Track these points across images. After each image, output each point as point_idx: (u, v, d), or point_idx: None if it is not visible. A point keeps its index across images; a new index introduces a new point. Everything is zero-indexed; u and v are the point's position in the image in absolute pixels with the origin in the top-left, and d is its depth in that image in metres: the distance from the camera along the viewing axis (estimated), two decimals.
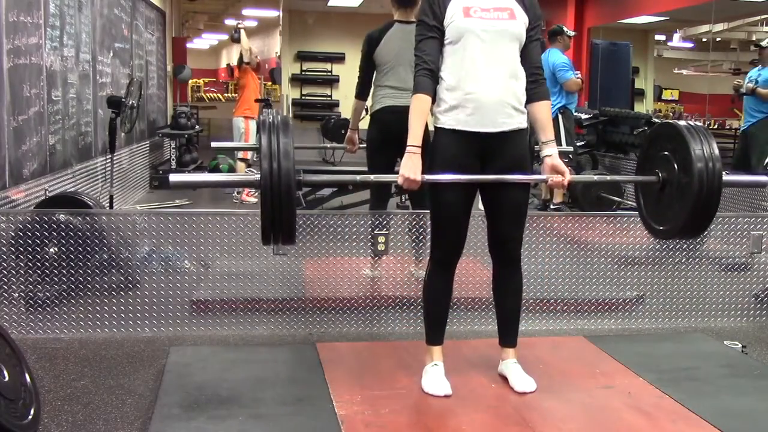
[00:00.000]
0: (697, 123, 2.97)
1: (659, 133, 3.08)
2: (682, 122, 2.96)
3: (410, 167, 2.71)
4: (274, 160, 2.50)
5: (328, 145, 9.67)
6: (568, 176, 2.86)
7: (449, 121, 2.81)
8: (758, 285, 4.30)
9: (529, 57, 2.86)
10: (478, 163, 2.85)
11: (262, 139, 2.56)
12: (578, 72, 7.36)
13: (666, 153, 2.94)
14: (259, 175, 2.54)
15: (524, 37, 2.83)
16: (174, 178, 2.70)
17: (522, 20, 2.82)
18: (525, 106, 2.88)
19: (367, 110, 4.69)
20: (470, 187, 2.89)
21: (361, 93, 4.57)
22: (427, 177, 2.75)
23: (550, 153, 2.87)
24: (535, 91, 2.88)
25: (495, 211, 2.96)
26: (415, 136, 2.73)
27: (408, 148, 2.74)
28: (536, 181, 2.95)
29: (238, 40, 8.29)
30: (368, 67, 4.46)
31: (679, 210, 2.87)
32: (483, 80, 2.78)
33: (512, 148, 2.87)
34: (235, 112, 8.41)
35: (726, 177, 2.85)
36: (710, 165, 2.77)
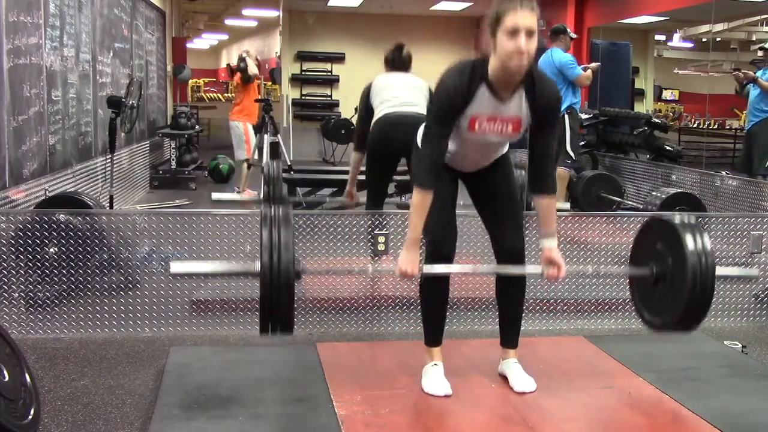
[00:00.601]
0: (691, 218, 3.02)
1: (651, 226, 3.11)
2: (676, 217, 3.00)
3: (408, 261, 2.77)
4: (275, 253, 2.60)
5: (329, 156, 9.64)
6: (564, 270, 2.88)
7: None
8: (758, 285, 4.30)
9: (542, 139, 2.83)
10: (460, 178, 3.02)
11: (263, 231, 2.65)
12: (587, 66, 7.30)
13: (659, 247, 2.97)
14: (259, 267, 2.62)
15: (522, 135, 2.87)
16: (174, 268, 2.79)
17: (526, 125, 2.82)
18: (531, 194, 2.92)
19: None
20: (453, 180, 3.00)
21: (360, 143, 4.61)
22: (425, 268, 2.84)
23: (550, 246, 2.88)
24: (542, 182, 2.87)
25: (483, 205, 3.02)
26: (414, 231, 2.78)
27: (406, 243, 2.79)
28: (533, 275, 3.05)
29: (244, 70, 8.27)
30: (366, 113, 4.54)
31: (673, 305, 2.91)
32: (470, 161, 2.96)
33: (494, 168, 3.02)
34: (233, 116, 8.38)
35: (719, 271, 2.88)
36: (704, 260, 2.81)
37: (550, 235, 2.88)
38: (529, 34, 2.58)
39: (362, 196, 4.71)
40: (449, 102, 2.71)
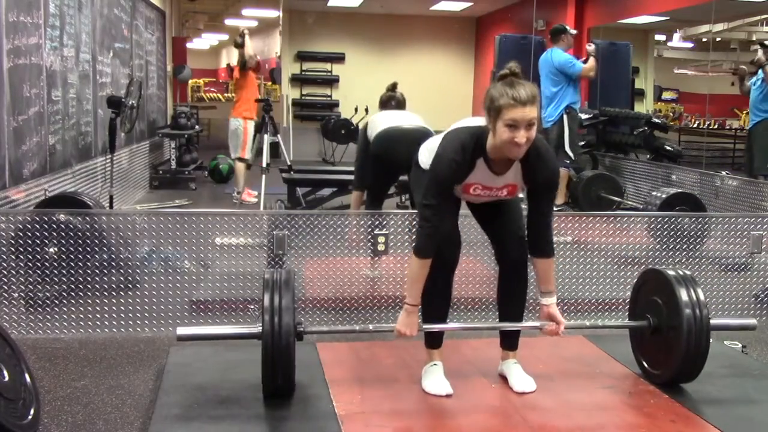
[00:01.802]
0: (685, 271, 3.09)
1: (648, 278, 3.19)
2: (670, 271, 3.07)
3: (406, 324, 2.83)
4: (276, 315, 2.71)
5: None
6: (563, 326, 2.92)
7: None
8: (758, 285, 4.30)
9: (538, 212, 2.86)
10: None
11: (264, 294, 2.76)
12: (585, 58, 7.28)
13: (656, 299, 3.05)
14: (260, 329, 2.73)
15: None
16: (181, 332, 2.87)
17: (521, 189, 2.85)
18: (531, 256, 2.94)
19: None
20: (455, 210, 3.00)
21: (361, 183, 4.65)
22: (424, 327, 2.93)
23: (548, 303, 2.92)
24: (540, 244, 2.89)
25: (494, 231, 3.05)
26: (412, 297, 2.82)
27: (405, 306, 2.84)
28: (529, 329, 3.16)
29: (242, 45, 8.21)
30: (365, 153, 4.61)
31: (671, 356, 2.98)
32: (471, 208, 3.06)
33: None
34: (233, 112, 8.32)
35: (713, 322, 2.98)
36: (697, 312, 2.90)
37: (549, 293, 2.93)
38: (529, 126, 2.59)
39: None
40: (449, 174, 2.74)
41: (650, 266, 4.28)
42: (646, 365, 3.15)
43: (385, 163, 4.44)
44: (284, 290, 2.77)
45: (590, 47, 7.31)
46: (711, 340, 3.82)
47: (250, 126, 8.15)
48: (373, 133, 4.58)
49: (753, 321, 3.22)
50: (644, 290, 3.18)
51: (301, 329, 2.81)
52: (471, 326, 3.65)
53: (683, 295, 2.93)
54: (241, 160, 8.08)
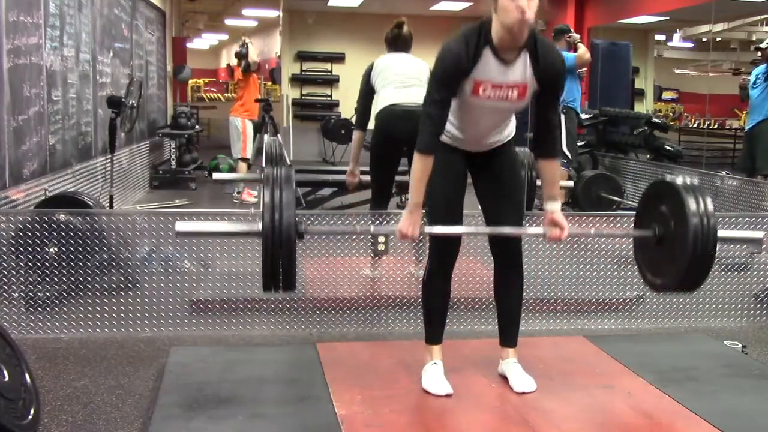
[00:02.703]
0: (694, 180, 3.01)
1: (656, 189, 3.14)
2: (679, 180, 3.02)
3: (408, 223, 2.77)
4: (276, 212, 2.61)
5: (330, 170, 9.60)
6: (567, 231, 2.87)
7: (443, 137, 2.85)
8: (758, 285, 4.30)
9: (543, 108, 2.84)
10: (467, 161, 2.96)
11: (264, 191, 2.66)
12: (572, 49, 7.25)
13: (662, 209, 2.99)
14: (260, 226, 2.62)
15: (528, 103, 2.83)
16: (179, 227, 2.81)
17: (531, 92, 2.80)
18: (536, 159, 2.92)
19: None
20: (461, 174, 2.97)
21: (362, 123, 4.57)
22: (426, 229, 2.83)
23: (553, 209, 2.88)
24: (546, 148, 2.89)
25: (492, 212, 2.98)
26: (416, 194, 2.78)
27: (409, 205, 2.79)
28: (532, 235, 3.03)
29: (245, 56, 8.25)
30: (367, 95, 4.50)
31: (675, 265, 2.92)
32: (474, 129, 2.90)
33: (501, 157, 2.98)
34: (233, 112, 8.34)
35: (721, 233, 2.91)
36: (705, 221, 2.83)
37: (553, 198, 2.88)
38: None
39: (364, 198, 4.70)
40: (454, 66, 2.69)
41: None
42: (648, 275, 3.08)
43: (387, 143, 4.33)
44: (285, 187, 2.66)
45: (570, 36, 7.25)
46: (711, 340, 3.83)
47: (249, 125, 8.17)
48: (375, 79, 4.44)
49: (760, 234, 3.17)
50: (651, 201, 3.10)
51: (302, 227, 2.71)
52: (474, 230, 3.31)
53: (691, 203, 2.84)
54: (243, 160, 8.10)
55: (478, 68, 2.70)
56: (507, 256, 3.00)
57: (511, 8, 2.58)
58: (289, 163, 7.30)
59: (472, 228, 3.35)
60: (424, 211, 2.83)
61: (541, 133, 2.88)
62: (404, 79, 4.36)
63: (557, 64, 2.79)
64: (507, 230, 2.96)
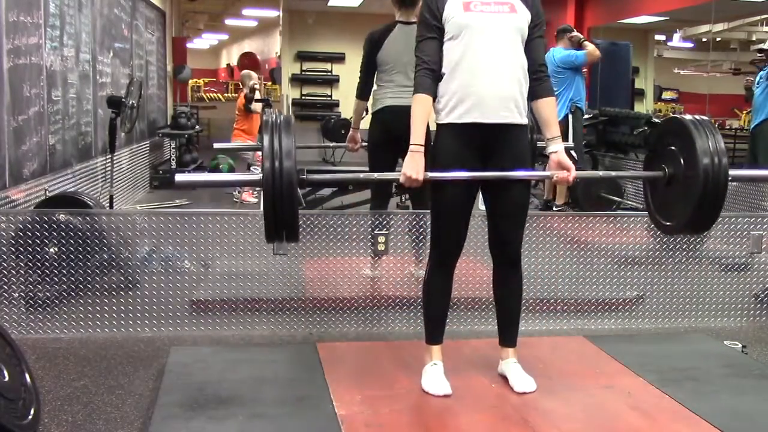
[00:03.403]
0: (704, 117, 2.93)
1: (666, 128, 3.07)
2: (688, 117, 2.93)
3: (413, 166, 2.72)
4: (276, 160, 2.52)
5: (330, 144, 9.61)
6: (574, 172, 2.84)
7: (450, 116, 2.80)
8: (758, 285, 4.30)
9: (532, 54, 2.85)
10: (479, 161, 2.85)
11: (264, 138, 2.58)
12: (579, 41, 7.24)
13: (673, 148, 2.92)
14: (260, 175, 2.56)
15: (526, 32, 2.82)
16: (179, 177, 2.76)
17: (523, 15, 2.80)
18: (529, 104, 2.87)
19: (367, 110, 4.67)
20: (472, 187, 2.90)
21: (363, 93, 4.53)
22: (430, 175, 2.76)
23: (556, 149, 2.85)
24: (538, 87, 2.87)
25: (496, 212, 2.96)
26: (417, 135, 2.74)
27: (411, 147, 2.75)
28: (541, 178, 2.95)
29: (251, 100, 8.29)
30: (369, 68, 4.44)
31: (686, 205, 2.85)
32: (484, 73, 2.77)
33: (513, 145, 2.86)
34: (234, 137, 8.38)
35: (732, 172, 2.82)
36: (716, 159, 2.76)
37: (555, 138, 2.86)
38: None
39: (364, 198, 4.70)
40: None
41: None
42: (658, 216, 3.03)
43: (386, 139, 4.30)
44: (284, 134, 2.58)
45: (573, 36, 7.24)
46: (711, 340, 3.83)
47: (250, 141, 8.20)
48: (380, 55, 4.36)
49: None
50: (660, 140, 3.04)
51: (303, 175, 2.64)
52: (478, 176, 2.93)
53: (701, 141, 2.77)
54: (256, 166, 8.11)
55: None
56: (506, 257, 3.00)
57: None
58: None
59: (476, 174, 3.01)
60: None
61: (533, 75, 2.85)
62: (406, 81, 4.33)
63: None
64: (514, 174, 2.84)
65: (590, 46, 7.07)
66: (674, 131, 2.95)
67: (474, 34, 2.76)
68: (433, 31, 2.79)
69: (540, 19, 2.87)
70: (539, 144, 5.28)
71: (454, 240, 2.93)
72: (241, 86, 8.70)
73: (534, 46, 2.86)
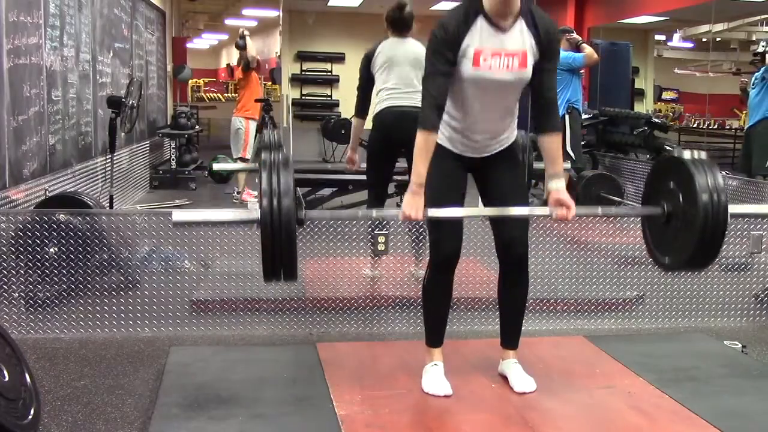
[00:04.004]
0: (702, 154, 2.93)
1: (663, 165, 3.05)
2: (686, 153, 2.91)
3: (412, 205, 2.72)
4: (275, 197, 2.51)
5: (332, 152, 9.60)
6: (573, 211, 2.81)
7: (442, 140, 2.87)
8: (758, 285, 4.30)
9: (540, 84, 2.81)
10: (467, 171, 2.96)
11: (262, 176, 2.56)
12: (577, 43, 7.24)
13: (671, 185, 2.90)
14: (259, 213, 2.54)
15: (530, 77, 2.80)
16: (176, 217, 2.77)
17: (532, 62, 2.78)
18: (537, 135, 2.89)
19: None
20: (462, 182, 2.95)
21: (361, 111, 4.55)
22: (429, 212, 2.76)
23: (557, 187, 2.83)
24: (546, 121, 2.85)
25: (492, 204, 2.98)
26: (418, 174, 2.73)
27: (411, 186, 2.74)
28: (539, 215, 2.97)
29: (243, 47, 8.24)
30: (367, 82, 4.47)
31: (685, 243, 2.83)
32: (477, 122, 2.85)
33: (502, 158, 2.96)
34: (236, 112, 8.35)
35: (732, 209, 2.80)
36: (715, 197, 2.74)
37: (557, 176, 2.84)
38: None
39: (362, 198, 4.71)
40: (447, 33, 2.69)
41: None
42: (657, 253, 3.01)
43: (384, 145, 4.34)
44: (283, 172, 2.56)
45: (571, 37, 7.24)
46: (711, 340, 3.83)
47: (252, 126, 8.18)
48: (375, 65, 4.40)
49: None
50: (658, 177, 3.02)
51: (302, 213, 2.63)
52: (477, 213, 3.22)
53: (700, 179, 2.75)
54: (242, 160, 8.10)
55: (474, 35, 2.70)
56: (514, 261, 2.98)
57: None
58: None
59: (475, 210, 3.23)
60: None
61: (541, 108, 2.84)
62: (405, 80, 4.34)
63: (552, 28, 2.80)
64: (513, 211, 2.88)
65: (588, 49, 7.08)
66: (672, 169, 2.94)
67: (477, 91, 2.78)
68: (445, 65, 2.73)
69: (553, 54, 2.82)
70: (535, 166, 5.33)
71: (452, 241, 2.92)
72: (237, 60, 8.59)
73: (544, 76, 2.81)
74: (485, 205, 3.04)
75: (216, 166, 5.92)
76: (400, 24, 4.49)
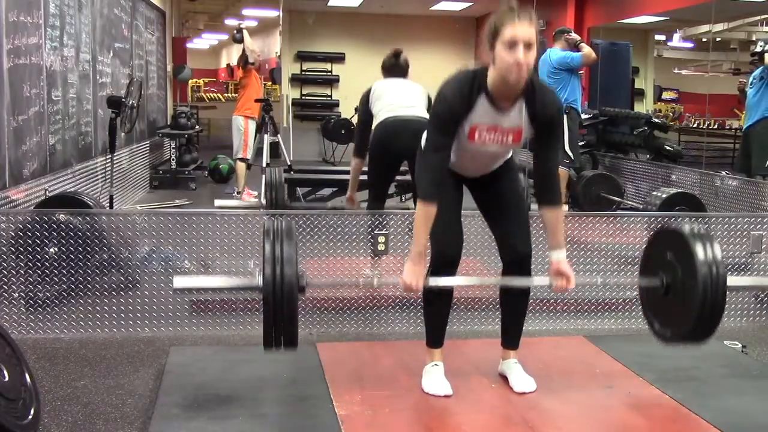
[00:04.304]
0: (700, 226, 2.96)
1: (661, 235, 3.07)
2: (685, 226, 2.94)
3: (412, 276, 2.75)
4: (277, 266, 2.58)
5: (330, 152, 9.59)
6: (573, 282, 2.85)
7: None
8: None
9: (540, 156, 2.83)
10: (463, 183, 3.00)
11: (265, 244, 2.63)
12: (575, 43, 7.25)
13: (669, 257, 2.92)
14: (261, 281, 2.60)
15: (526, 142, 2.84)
16: (177, 283, 2.78)
17: (526, 135, 2.80)
18: (538, 206, 2.89)
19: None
20: (460, 187, 2.98)
21: (360, 150, 4.62)
22: (430, 282, 2.81)
23: (558, 258, 2.85)
24: (549, 195, 2.86)
25: (494, 213, 2.99)
26: (418, 244, 2.76)
27: (411, 256, 2.76)
28: (538, 285, 3.02)
29: (240, 41, 8.22)
30: (365, 121, 4.54)
31: (684, 316, 2.85)
32: (468, 168, 2.95)
33: (500, 170, 3.01)
34: (236, 111, 8.36)
35: (730, 282, 2.83)
36: (714, 270, 2.76)
37: (558, 246, 2.86)
38: (528, 46, 2.58)
39: (362, 198, 4.72)
40: (449, 111, 2.71)
41: None
42: (656, 325, 3.03)
43: (385, 155, 4.39)
44: (286, 241, 2.64)
45: (570, 37, 7.24)
46: (711, 340, 3.82)
47: (252, 125, 8.17)
48: (373, 103, 4.49)
49: None
50: (656, 248, 3.05)
51: (304, 282, 2.69)
52: (478, 281, 3.36)
53: (698, 251, 2.78)
54: (242, 160, 8.11)
55: (474, 114, 2.72)
56: (516, 262, 2.97)
57: (508, 61, 2.58)
58: (289, 162, 7.30)
59: (476, 279, 3.37)
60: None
61: (541, 179, 2.85)
62: (403, 104, 4.44)
63: (552, 106, 2.77)
64: (515, 281, 2.96)
65: (586, 48, 7.08)
66: (670, 240, 2.96)
67: (473, 151, 2.83)
68: (448, 135, 2.74)
69: (552, 129, 2.81)
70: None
71: (455, 244, 2.91)
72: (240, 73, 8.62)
73: (543, 150, 2.83)
74: (482, 210, 3.07)
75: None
76: (396, 70, 4.63)
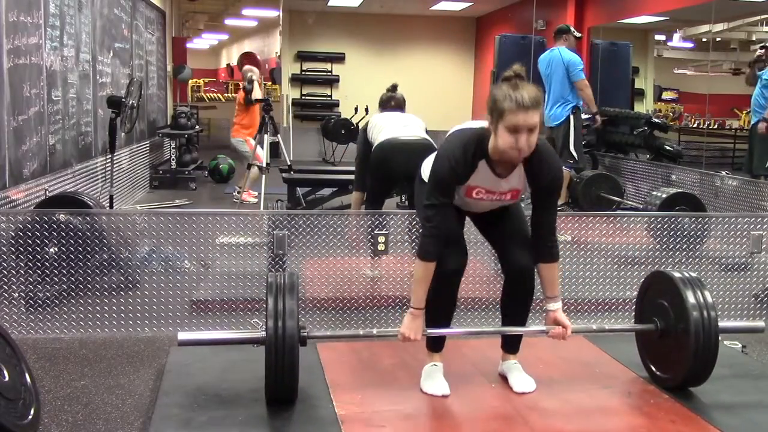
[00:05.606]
0: (691, 273, 3.06)
1: (654, 281, 3.16)
2: (676, 273, 3.05)
3: (411, 328, 2.80)
4: (279, 319, 2.69)
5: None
6: (570, 330, 2.91)
7: None
8: (758, 285, 4.30)
9: (543, 225, 2.84)
10: None
11: (268, 298, 2.74)
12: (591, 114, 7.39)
13: (662, 302, 3.03)
14: (264, 333, 2.70)
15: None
16: (182, 337, 2.85)
17: (524, 192, 2.84)
18: (536, 263, 2.90)
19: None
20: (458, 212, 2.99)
21: (360, 185, 4.69)
22: (428, 332, 2.88)
23: (554, 308, 2.90)
24: (546, 253, 2.86)
25: (493, 230, 3.03)
26: (417, 299, 2.79)
27: (410, 310, 2.81)
28: (535, 330, 3.09)
29: (250, 92, 8.32)
30: (365, 153, 4.64)
31: (679, 360, 2.94)
32: (473, 211, 3.00)
33: None
34: (234, 134, 8.45)
35: (722, 324, 2.94)
36: (705, 314, 2.87)
37: (554, 298, 2.90)
38: (531, 131, 2.58)
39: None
40: (452, 174, 2.71)
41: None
42: (654, 369, 3.11)
43: (385, 174, 4.53)
44: (288, 295, 2.76)
45: (569, 36, 7.27)
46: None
47: (251, 141, 8.23)
48: (372, 135, 4.61)
49: (761, 324, 3.21)
50: (650, 293, 3.15)
51: (305, 334, 2.79)
52: (475, 330, 3.61)
53: (690, 297, 2.90)
54: (258, 167, 8.08)
55: (474, 177, 2.73)
56: (519, 273, 2.95)
57: (509, 143, 2.58)
58: (289, 162, 7.29)
59: (475, 329, 3.52)
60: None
61: (539, 235, 2.85)
62: (402, 122, 4.62)
63: (553, 171, 2.77)
64: (513, 330, 3.03)
65: (589, 91, 7.12)
66: (662, 285, 3.07)
67: (471, 203, 2.86)
68: (448, 195, 2.76)
69: (552, 190, 2.81)
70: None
71: (458, 255, 2.89)
72: (241, 85, 8.74)
73: (545, 217, 2.83)
74: (479, 228, 3.09)
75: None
76: (393, 104, 4.78)
